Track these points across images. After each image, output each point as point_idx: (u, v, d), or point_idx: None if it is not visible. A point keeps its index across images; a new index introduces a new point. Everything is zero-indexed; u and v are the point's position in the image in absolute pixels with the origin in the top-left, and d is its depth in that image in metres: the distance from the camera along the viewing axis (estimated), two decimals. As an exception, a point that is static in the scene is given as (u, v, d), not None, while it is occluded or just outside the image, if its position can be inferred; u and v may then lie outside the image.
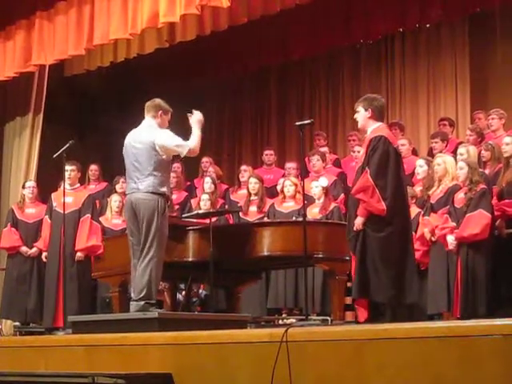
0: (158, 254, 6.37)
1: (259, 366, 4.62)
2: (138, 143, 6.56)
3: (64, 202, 8.55)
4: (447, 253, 7.39)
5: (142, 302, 6.32)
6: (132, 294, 6.56)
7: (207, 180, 9.77)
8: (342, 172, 10.13)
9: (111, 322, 6.27)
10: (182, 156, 6.65)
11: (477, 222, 7.14)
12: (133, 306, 6.41)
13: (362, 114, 6.37)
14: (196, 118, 6.70)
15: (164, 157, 6.51)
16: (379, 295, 6.07)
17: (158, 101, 6.73)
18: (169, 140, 6.52)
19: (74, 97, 12.92)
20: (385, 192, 6.07)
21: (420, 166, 8.29)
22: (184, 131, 6.70)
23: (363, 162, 6.26)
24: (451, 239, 7.26)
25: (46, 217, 9.38)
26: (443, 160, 7.78)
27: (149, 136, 6.52)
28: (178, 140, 6.55)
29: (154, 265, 6.35)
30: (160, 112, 6.66)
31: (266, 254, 7.09)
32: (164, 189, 6.49)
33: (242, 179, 10.12)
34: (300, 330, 4.80)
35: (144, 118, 6.76)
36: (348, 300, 7.69)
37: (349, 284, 7.43)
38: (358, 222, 6.12)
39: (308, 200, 8.37)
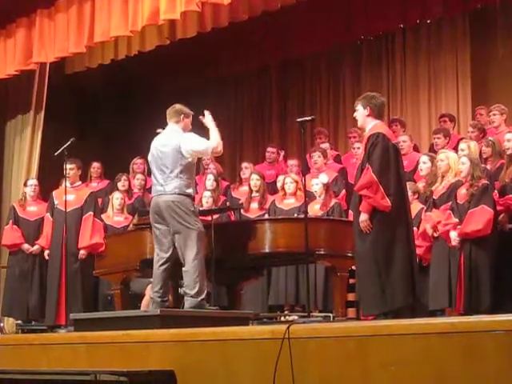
0: (199, 250, 6.60)
1: (261, 362, 4.62)
2: (164, 147, 6.77)
3: (65, 200, 8.55)
4: (449, 249, 7.38)
5: (199, 299, 6.51)
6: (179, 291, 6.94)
7: (209, 177, 9.77)
8: (343, 168, 10.12)
9: (113, 319, 6.27)
10: (208, 157, 6.81)
11: (479, 218, 7.13)
12: (188, 302, 6.56)
13: (360, 112, 6.42)
14: (210, 118, 6.90)
15: (190, 160, 6.72)
16: (393, 303, 6.07)
17: (178, 106, 6.93)
18: (195, 143, 6.73)
19: (75, 94, 12.92)
20: (388, 188, 6.08)
21: (423, 163, 8.27)
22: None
23: (363, 159, 6.27)
24: (454, 235, 7.26)
25: (48, 214, 9.37)
26: (446, 156, 7.76)
27: (174, 140, 6.73)
28: (203, 142, 6.76)
29: (199, 260, 6.58)
30: (182, 116, 6.86)
31: (267, 250, 7.09)
32: (190, 190, 6.71)
33: (243, 176, 10.12)
34: (302, 326, 4.81)
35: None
36: (350, 296, 7.69)
37: (351, 280, 7.44)
38: (363, 218, 6.11)
39: (309, 197, 8.37)
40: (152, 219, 6.81)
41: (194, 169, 6.86)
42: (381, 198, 6.06)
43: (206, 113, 6.91)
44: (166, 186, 6.65)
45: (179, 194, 6.61)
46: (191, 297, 6.53)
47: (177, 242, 6.64)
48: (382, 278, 6.03)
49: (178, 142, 6.69)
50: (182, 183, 6.63)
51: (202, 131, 6.89)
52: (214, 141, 6.78)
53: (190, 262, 6.55)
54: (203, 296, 6.55)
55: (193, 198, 6.79)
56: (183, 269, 6.61)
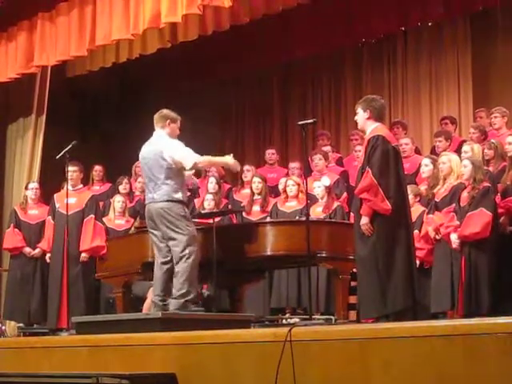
0: (190, 253, 6.57)
1: (263, 365, 4.62)
2: (149, 154, 6.77)
3: (67, 203, 8.56)
4: (451, 251, 7.38)
5: (182, 300, 6.49)
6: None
7: (211, 180, 9.78)
8: (345, 171, 10.12)
9: (115, 322, 6.27)
10: (187, 168, 6.76)
11: (477, 221, 7.13)
12: (172, 303, 6.54)
13: (361, 115, 6.41)
14: (230, 161, 6.88)
15: (174, 165, 6.66)
16: (394, 306, 6.07)
17: (165, 111, 6.91)
18: (177, 151, 6.69)
19: (77, 97, 12.93)
20: (388, 191, 6.07)
21: (425, 165, 8.26)
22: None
23: (363, 162, 6.27)
24: (454, 237, 7.26)
25: (49, 218, 9.38)
26: (448, 158, 7.75)
27: (158, 146, 6.72)
28: (185, 152, 6.71)
29: (190, 264, 6.56)
30: (168, 121, 6.84)
31: (269, 253, 7.09)
32: (179, 195, 6.68)
33: (245, 179, 10.12)
34: (304, 329, 4.80)
35: (154, 129, 6.93)
36: (352, 299, 7.68)
37: (353, 283, 7.43)
38: (364, 221, 6.11)
39: (311, 199, 8.37)
40: (148, 225, 6.84)
41: (182, 174, 6.79)
42: (381, 201, 6.05)
43: (235, 162, 6.90)
44: (155, 194, 6.66)
45: (168, 200, 6.61)
46: (175, 298, 6.53)
47: (171, 248, 6.66)
48: (383, 280, 6.02)
49: (162, 148, 6.68)
50: (170, 189, 6.62)
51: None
52: (203, 159, 6.76)
53: (180, 264, 6.56)
54: (189, 298, 6.53)
55: (183, 203, 6.74)
56: (175, 271, 6.63)
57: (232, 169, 7.05)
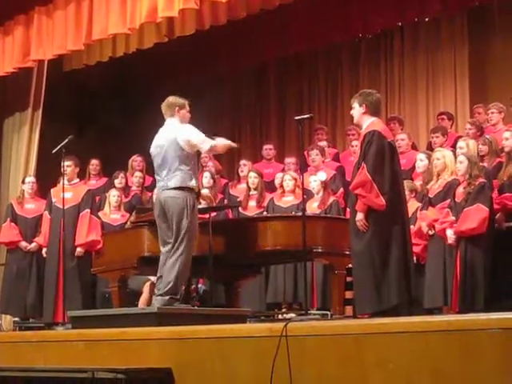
0: (186, 251, 6.49)
1: (259, 360, 4.62)
2: (162, 142, 6.68)
3: (63, 198, 8.55)
4: (444, 247, 7.38)
5: (167, 297, 6.41)
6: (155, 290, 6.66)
7: (206, 175, 9.76)
8: (341, 166, 10.12)
9: (111, 316, 6.28)
10: (203, 152, 6.72)
11: (474, 216, 7.13)
12: (157, 300, 6.47)
13: (356, 110, 6.39)
14: (232, 144, 6.94)
15: (188, 151, 6.61)
16: (389, 301, 6.07)
17: (170, 99, 6.85)
18: (192, 135, 6.64)
19: (73, 92, 12.91)
20: (383, 187, 6.07)
21: (420, 160, 8.27)
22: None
23: (359, 157, 6.27)
24: (450, 233, 7.26)
25: (46, 212, 9.37)
26: (442, 154, 7.76)
27: (172, 133, 6.66)
28: (200, 135, 6.66)
29: (183, 261, 6.47)
30: (176, 108, 6.79)
31: (265, 248, 7.09)
32: (193, 182, 6.61)
33: (241, 174, 10.12)
34: (300, 324, 4.81)
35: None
36: (348, 294, 7.69)
37: (349, 278, 7.44)
38: (359, 217, 6.11)
39: (307, 194, 8.37)
40: (156, 217, 6.72)
41: (195, 159, 6.74)
42: (375, 197, 6.04)
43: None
44: (169, 181, 6.56)
45: (181, 187, 6.52)
46: (161, 295, 6.45)
47: (168, 238, 6.58)
48: (378, 276, 6.03)
49: (176, 134, 6.61)
50: (185, 175, 6.54)
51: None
52: (219, 142, 6.73)
53: (173, 260, 6.46)
54: (175, 296, 6.44)
55: (196, 192, 6.65)
56: (166, 264, 6.55)
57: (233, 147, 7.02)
